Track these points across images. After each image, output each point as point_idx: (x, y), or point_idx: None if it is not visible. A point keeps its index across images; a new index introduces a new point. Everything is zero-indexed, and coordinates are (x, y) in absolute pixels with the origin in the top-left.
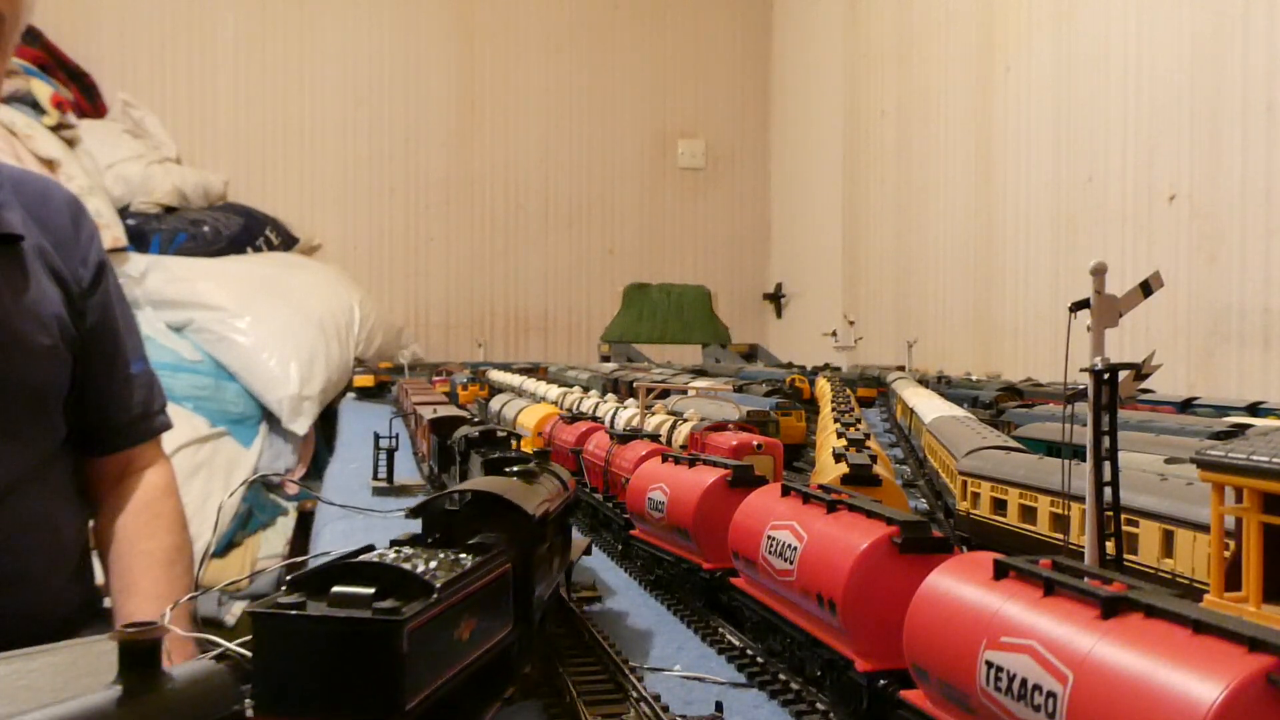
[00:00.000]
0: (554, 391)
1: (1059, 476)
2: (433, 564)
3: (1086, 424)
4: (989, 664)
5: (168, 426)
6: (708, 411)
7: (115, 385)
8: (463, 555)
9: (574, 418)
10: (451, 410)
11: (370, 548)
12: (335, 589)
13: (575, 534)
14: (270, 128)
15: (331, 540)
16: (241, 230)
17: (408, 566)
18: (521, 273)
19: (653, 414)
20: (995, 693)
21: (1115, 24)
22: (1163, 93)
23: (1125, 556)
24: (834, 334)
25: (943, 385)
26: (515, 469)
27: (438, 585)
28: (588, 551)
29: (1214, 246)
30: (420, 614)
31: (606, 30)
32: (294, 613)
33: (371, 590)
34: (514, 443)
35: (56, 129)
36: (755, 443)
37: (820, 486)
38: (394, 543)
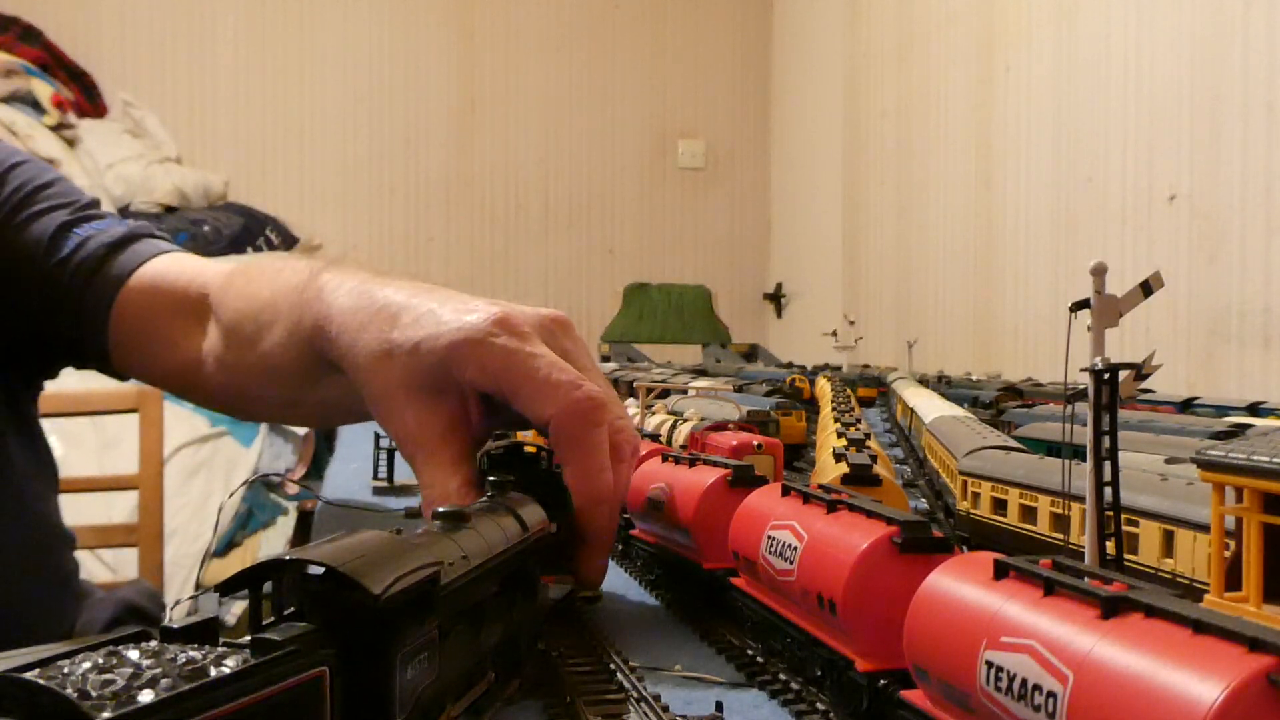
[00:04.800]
0: None
1: (1059, 476)
2: (150, 674)
3: (1086, 424)
4: (989, 664)
5: (159, 251)
6: (708, 411)
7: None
8: (235, 656)
9: None
10: None
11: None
12: None
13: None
14: (270, 128)
15: None
16: (242, 230)
17: (102, 678)
18: (521, 273)
19: (653, 414)
20: (995, 693)
21: (1115, 24)
22: (1163, 93)
23: (1125, 556)
24: (834, 334)
25: (943, 385)
26: (441, 509)
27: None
28: (566, 598)
29: (1214, 246)
30: None
31: (606, 30)
32: None
33: None
34: (544, 455)
35: (57, 129)
36: (755, 443)
37: (820, 486)
38: (164, 631)
